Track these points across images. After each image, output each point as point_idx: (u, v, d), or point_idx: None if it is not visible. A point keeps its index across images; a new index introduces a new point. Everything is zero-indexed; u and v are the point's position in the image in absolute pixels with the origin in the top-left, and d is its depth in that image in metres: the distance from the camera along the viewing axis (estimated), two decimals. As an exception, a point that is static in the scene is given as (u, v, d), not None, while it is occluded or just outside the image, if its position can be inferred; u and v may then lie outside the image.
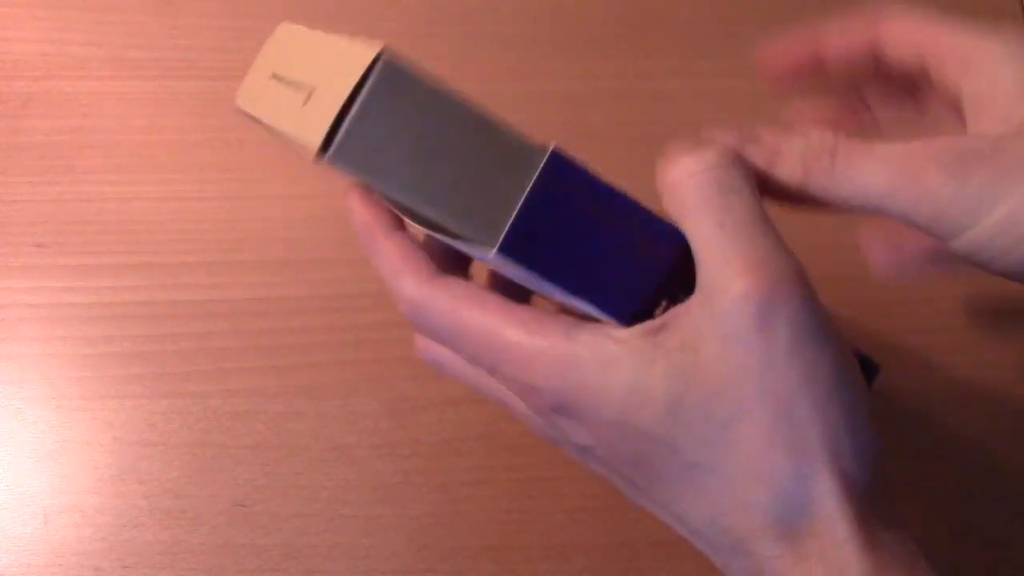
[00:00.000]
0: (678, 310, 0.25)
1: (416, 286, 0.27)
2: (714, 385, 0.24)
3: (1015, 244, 0.25)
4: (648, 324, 0.25)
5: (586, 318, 0.26)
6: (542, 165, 0.25)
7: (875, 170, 0.25)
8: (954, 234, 0.25)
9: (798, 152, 0.26)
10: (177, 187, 0.44)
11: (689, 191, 0.25)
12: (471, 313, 0.26)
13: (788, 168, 0.26)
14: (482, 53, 0.49)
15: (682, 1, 0.50)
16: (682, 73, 0.48)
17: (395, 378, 0.41)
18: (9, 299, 0.42)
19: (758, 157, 0.27)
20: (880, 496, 0.25)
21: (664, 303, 0.26)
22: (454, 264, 0.29)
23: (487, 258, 0.26)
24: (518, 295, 0.28)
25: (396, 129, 0.25)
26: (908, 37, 0.29)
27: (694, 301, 0.25)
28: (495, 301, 0.26)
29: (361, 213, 0.29)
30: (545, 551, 0.38)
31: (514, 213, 0.25)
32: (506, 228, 0.25)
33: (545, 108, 0.47)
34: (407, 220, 0.29)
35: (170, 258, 0.43)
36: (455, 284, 0.27)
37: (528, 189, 0.25)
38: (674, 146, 0.26)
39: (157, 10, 0.49)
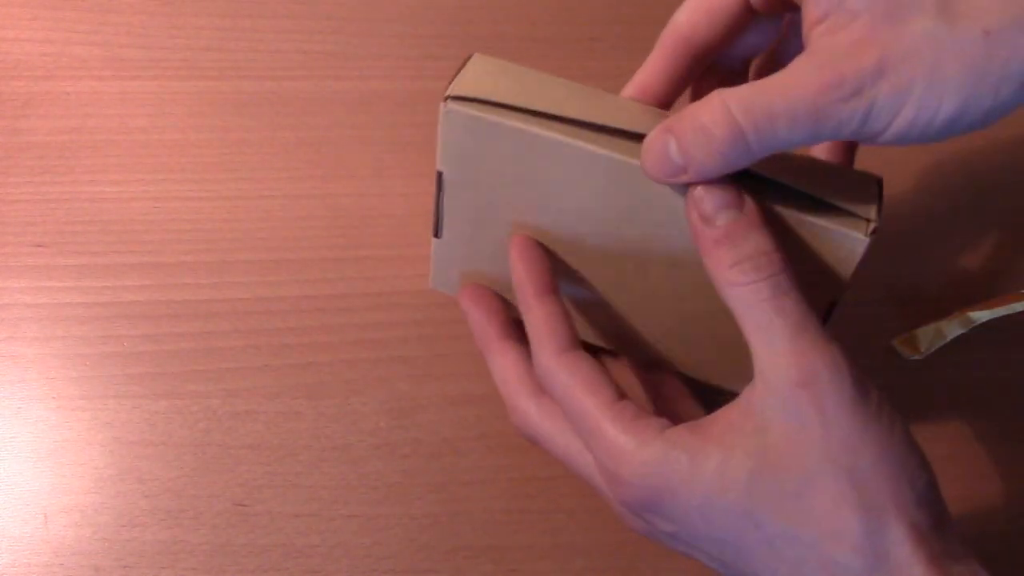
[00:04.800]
0: (748, 398, 0.28)
1: (551, 356, 0.31)
2: (784, 461, 0.27)
3: (927, 129, 0.26)
4: (727, 415, 0.29)
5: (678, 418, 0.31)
6: None
7: (788, 123, 0.26)
8: (875, 138, 0.27)
9: (707, 141, 0.27)
10: (177, 187, 0.44)
11: (748, 294, 0.28)
12: (584, 399, 0.30)
13: (711, 161, 0.28)
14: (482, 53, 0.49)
15: (682, 1, 0.50)
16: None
17: (395, 378, 0.41)
18: (9, 299, 0.42)
19: (681, 162, 0.28)
20: (946, 532, 0.27)
21: None
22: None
23: None
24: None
25: None
26: None
27: (757, 390, 0.28)
28: (607, 392, 0.30)
29: (518, 273, 0.33)
30: (545, 551, 0.38)
31: None
32: None
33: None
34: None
35: (170, 258, 0.43)
36: (581, 363, 0.31)
37: None
38: (720, 234, 0.28)
39: (157, 10, 0.49)
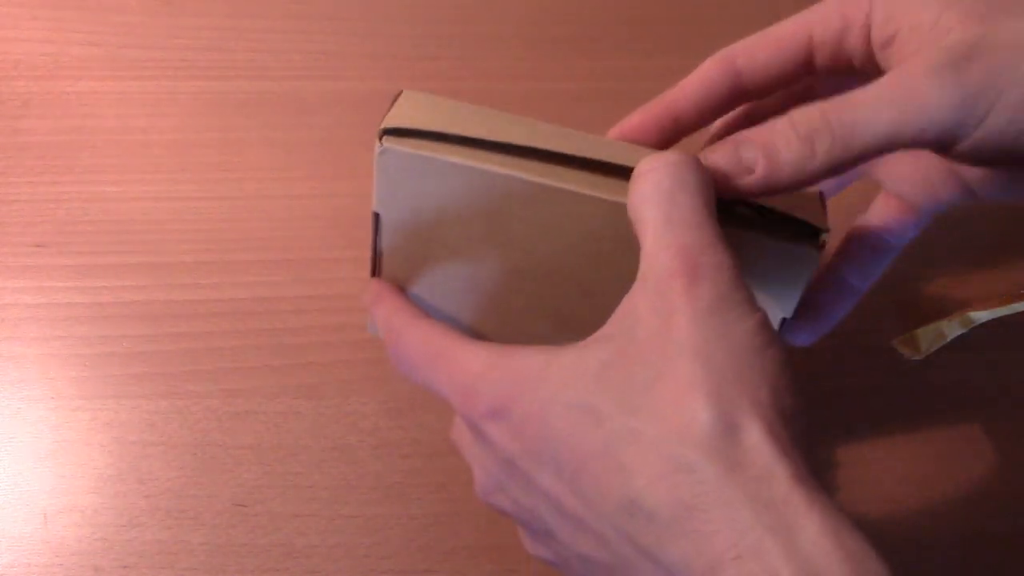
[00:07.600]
0: (622, 304, 0.26)
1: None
2: (643, 355, 0.25)
3: (1019, 134, 0.26)
4: (601, 328, 0.27)
5: None
6: None
7: (872, 113, 0.26)
8: (964, 136, 0.26)
9: (791, 136, 0.27)
10: (177, 187, 0.44)
11: (646, 184, 0.26)
12: (433, 333, 0.29)
13: (791, 154, 0.27)
14: (482, 53, 0.49)
15: (682, 1, 0.50)
16: (681, 73, 0.48)
17: (395, 378, 0.41)
18: (9, 299, 0.42)
19: (754, 157, 0.27)
20: (810, 462, 0.24)
21: None
22: None
23: None
24: None
25: None
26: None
27: (633, 290, 0.26)
28: (461, 333, 0.29)
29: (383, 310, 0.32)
30: (545, 551, 0.38)
31: None
32: None
33: (545, 108, 0.47)
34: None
35: (170, 258, 0.43)
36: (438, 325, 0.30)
37: None
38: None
39: (157, 10, 0.49)
